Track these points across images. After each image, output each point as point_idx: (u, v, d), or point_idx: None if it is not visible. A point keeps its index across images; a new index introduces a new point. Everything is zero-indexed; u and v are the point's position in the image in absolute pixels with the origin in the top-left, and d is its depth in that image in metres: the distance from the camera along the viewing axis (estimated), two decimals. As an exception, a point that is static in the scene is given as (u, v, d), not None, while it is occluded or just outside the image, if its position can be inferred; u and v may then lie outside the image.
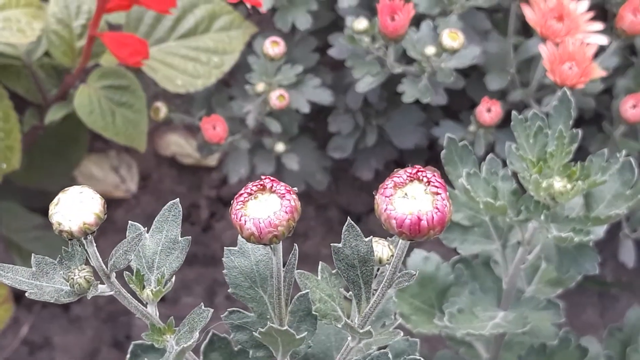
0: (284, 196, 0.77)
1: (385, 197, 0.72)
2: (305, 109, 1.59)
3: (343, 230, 0.82)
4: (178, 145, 1.94)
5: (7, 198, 1.78)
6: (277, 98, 1.54)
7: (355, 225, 0.81)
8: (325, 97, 1.60)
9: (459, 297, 1.26)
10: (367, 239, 0.82)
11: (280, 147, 1.63)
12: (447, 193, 0.72)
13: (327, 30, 1.63)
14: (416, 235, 0.71)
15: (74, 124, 1.60)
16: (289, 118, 1.63)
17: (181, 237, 0.85)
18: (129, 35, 1.44)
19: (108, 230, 1.88)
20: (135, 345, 0.95)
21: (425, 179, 0.72)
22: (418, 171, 0.73)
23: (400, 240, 0.76)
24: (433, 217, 0.71)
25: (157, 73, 1.51)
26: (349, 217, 0.83)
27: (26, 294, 0.76)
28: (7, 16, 1.36)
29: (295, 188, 0.79)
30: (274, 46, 1.53)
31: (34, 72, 1.50)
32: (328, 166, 1.74)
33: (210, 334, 0.98)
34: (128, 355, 0.95)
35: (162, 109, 1.59)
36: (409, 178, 0.73)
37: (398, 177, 0.73)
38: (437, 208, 0.71)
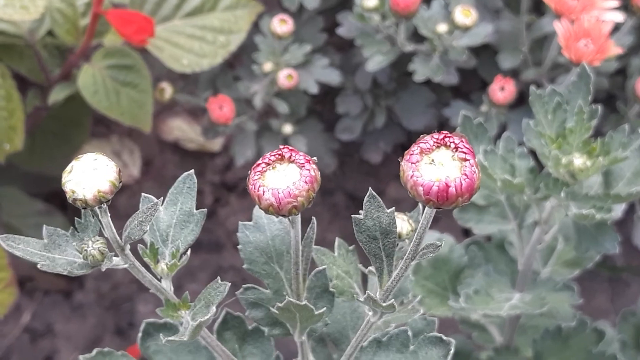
0: (303, 166, 0.74)
1: (412, 163, 0.69)
2: (314, 89, 1.56)
3: (365, 201, 0.79)
4: (181, 130, 1.92)
5: (8, 184, 1.75)
6: (286, 77, 1.51)
7: (377, 195, 0.79)
8: (333, 77, 1.57)
9: (474, 279, 1.24)
10: (389, 210, 0.79)
11: (287, 128, 1.61)
12: (476, 159, 0.69)
13: (335, 10, 1.61)
14: (444, 202, 0.68)
15: (77, 106, 1.58)
16: (296, 99, 1.60)
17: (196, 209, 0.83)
18: (134, 12, 1.41)
19: (110, 216, 1.85)
20: (147, 324, 0.93)
21: (452, 145, 0.69)
22: (445, 137, 0.70)
23: (426, 210, 0.73)
24: (461, 184, 0.68)
25: (163, 52, 1.48)
26: (370, 188, 0.80)
27: (38, 266, 0.73)
28: (10, -7, 1.34)
29: (315, 158, 0.76)
30: (281, 24, 1.50)
31: (37, 51, 1.47)
32: (336, 149, 1.71)
33: (223, 312, 0.95)
34: (140, 334, 0.93)
35: (168, 90, 1.57)
36: (435, 144, 0.70)
37: (424, 142, 0.70)
38: (465, 174, 0.68)
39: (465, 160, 0.69)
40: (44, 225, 0.75)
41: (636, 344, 1.38)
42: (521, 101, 1.55)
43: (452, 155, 0.70)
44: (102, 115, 1.91)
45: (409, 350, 0.88)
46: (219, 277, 0.81)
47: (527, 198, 1.13)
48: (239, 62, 1.71)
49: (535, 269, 1.27)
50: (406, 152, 0.70)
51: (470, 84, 1.64)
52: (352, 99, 1.64)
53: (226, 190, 1.91)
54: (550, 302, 1.19)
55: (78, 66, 1.47)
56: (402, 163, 0.70)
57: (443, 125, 1.70)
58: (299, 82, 1.53)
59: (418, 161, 0.69)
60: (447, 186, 0.68)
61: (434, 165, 0.69)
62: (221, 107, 1.51)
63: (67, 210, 1.81)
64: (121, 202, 1.86)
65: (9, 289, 1.40)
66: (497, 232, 1.23)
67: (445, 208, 0.69)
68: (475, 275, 1.26)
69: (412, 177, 0.69)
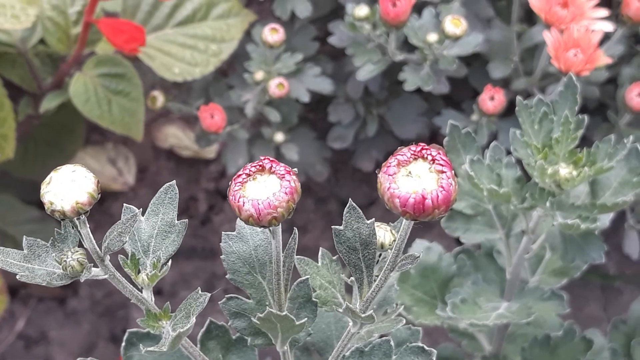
0: (283, 177, 0.75)
1: (389, 175, 0.70)
2: (305, 98, 1.57)
3: (344, 212, 0.79)
4: (176, 137, 1.92)
5: (3, 191, 1.76)
6: (277, 86, 1.51)
7: (357, 207, 0.79)
8: (325, 85, 1.58)
9: (462, 288, 1.24)
10: (369, 222, 0.79)
11: (279, 137, 1.61)
12: (453, 172, 0.69)
13: (327, 19, 1.61)
14: (420, 214, 0.69)
15: (70, 114, 1.58)
16: (288, 107, 1.61)
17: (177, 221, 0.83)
18: (125, 21, 1.42)
19: (105, 223, 1.86)
20: (130, 334, 0.93)
21: (429, 157, 0.70)
22: (422, 149, 0.70)
23: (404, 221, 0.73)
24: (438, 196, 0.68)
25: (154, 61, 1.49)
26: (350, 199, 0.80)
27: (17, 277, 0.73)
28: (1, 2, 1.34)
29: (295, 169, 0.76)
30: (273, 33, 1.51)
31: (29, 60, 1.47)
32: (328, 157, 1.72)
33: (207, 321, 0.95)
34: (123, 344, 0.93)
35: (159, 98, 1.57)
36: (413, 156, 0.70)
37: (402, 155, 0.70)
38: (442, 187, 0.69)
39: (442, 172, 0.69)
40: (24, 236, 0.76)
41: (627, 353, 1.38)
42: (512, 110, 1.55)
43: (429, 167, 0.70)
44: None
45: (391, 360, 0.88)
46: (199, 288, 0.81)
47: (514, 208, 1.13)
48: (232, 70, 1.72)
49: (523, 278, 1.27)
50: (383, 164, 0.70)
51: (462, 93, 1.65)
52: (344, 107, 1.64)
53: (221, 198, 1.91)
54: (537, 311, 1.19)
55: (70, 74, 1.47)
56: (379, 175, 0.70)
57: (435, 133, 1.70)
58: (290, 90, 1.53)
59: (395, 173, 0.70)
60: (424, 198, 0.68)
61: (411, 178, 0.70)
62: (212, 116, 1.52)
63: (60, 218, 1.81)
64: (116, 209, 1.86)
65: (0, 297, 1.41)
66: (485, 241, 1.23)
67: (421, 220, 0.70)
68: (464, 283, 1.26)
69: (389, 189, 0.69)
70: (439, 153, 0.70)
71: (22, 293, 1.80)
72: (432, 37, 1.44)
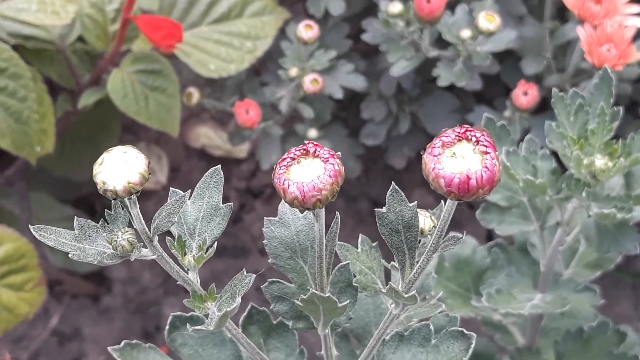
0: (327, 160, 0.76)
1: (434, 156, 0.71)
2: (339, 94, 1.58)
3: (387, 195, 0.81)
4: (207, 137, 1.94)
5: (38, 189, 1.78)
6: (311, 82, 1.53)
7: (399, 189, 0.80)
8: (358, 82, 1.59)
9: (496, 279, 1.25)
10: (411, 204, 0.81)
11: (312, 133, 1.63)
12: (497, 153, 0.70)
13: (360, 17, 1.62)
14: (465, 194, 0.70)
15: (106, 111, 1.60)
16: (321, 104, 1.62)
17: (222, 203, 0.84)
18: (162, 18, 1.44)
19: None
20: (174, 317, 0.95)
21: (474, 138, 0.71)
22: (467, 130, 0.71)
23: (448, 202, 0.75)
24: (482, 176, 0.70)
25: (190, 57, 1.51)
26: (393, 182, 0.81)
27: (69, 255, 0.75)
28: (41, -1, 1.37)
29: (339, 153, 0.78)
30: (307, 30, 1.53)
31: (67, 56, 1.49)
32: (360, 154, 1.73)
33: (249, 306, 0.97)
34: (167, 327, 0.94)
35: (195, 94, 1.59)
36: (457, 137, 0.72)
37: (446, 136, 0.71)
38: (486, 167, 0.70)
39: (486, 153, 0.71)
40: (75, 217, 0.78)
41: (658, 348, 1.39)
42: (544, 107, 1.57)
43: (474, 149, 0.71)
44: (130, 122, 1.94)
45: (430, 344, 0.90)
46: (244, 269, 0.83)
47: (549, 199, 1.14)
48: (265, 68, 1.74)
49: (557, 271, 1.28)
50: (428, 145, 0.72)
51: (494, 90, 1.66)
52: (376, 104, 1.65)
53: (252, 197, 1.93)
54: (572, 302, 1.20)
55: (107, 71, 1.49)
56: (424, 156, 0.72)
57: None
58: (324, 87, 1.55)
59: (440, 154, 0.71)
60: (468, 178, 0.70)
61: (456, 158, 0.71)
62: (247, 111, 1.53)
63: (95, 215, 1.83)
64: (148, 207, 1.88)
65: (39, 288, 1.43)
66: (518, 233, 1.24)
67: (466, 200, 0.71)
68: (498, 276, 1.27)
69: (433, 169, 0.71)
70: (483, 134, 0.71)
71: (57, 290, 1.82)
72: (466, 33, 1.46)
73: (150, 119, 1.47)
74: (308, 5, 1.59)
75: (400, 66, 1.49)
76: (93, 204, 1.91)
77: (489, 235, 1.79)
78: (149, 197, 1.90)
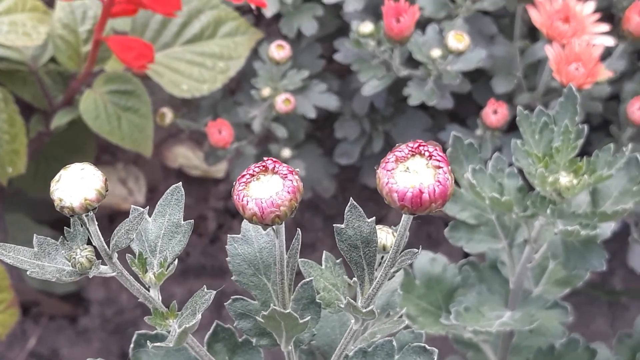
0: (286, 176, 0.77)
1: (387, 170, 0.72)
2: (312, 114, 1.59)
3: (346, 211, 0.81)
4: (185, 157, 1.94)
5: (15, 210, 1.78)
6: (283, 102, 1.54)
7: (357, 205, 0.81)
8: (331, 102, 1.60)
9: (466, 297, 1.26)
10: (369, 220, 0.81)
11: (286, 152, 1.63)
12: (449, 167, 0.71)
13: (333, 37, 1.63)
14: (418, 208, 0.71)
15: (80, 132, 1.61)
16: (295, 124, 1.63)
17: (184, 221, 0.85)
18: (134, 39, 1.44)
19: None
20: (138, 335, 0.95)
21: (427, 153, 0.72)
22: (420, 145, 0.72)
23: (403, 217, 0.75)
24: (435, 190, 0.70)
25: (163, 78, 1.52)
26: (351, 198, 0.82)
27: (27, 273, 0.75)
28: (13, 20, 1.37)
29: (298, 169, 0.78)
30: (279, 50, 1.53)
31: (40, 78, 1.50)
32: (335, 173, 1.74)
33: (214, 324, 0.97)
34: (132, 345, 0.95)
35: (168, 115, 1.60)
36: (410, 152, 0.72)
37: (400, 151, 0.72)
38: (438, 181, 0.71)
39: (439, 167, 0.71)
40: (35, 235, 0.78)
41: (632, 366, 1.40)
42: (516, 126, 1.57)
43: (427, 163, 0.72)
44: (107, 143, 1.94)
45: (393, 360, 0.90)
46: (204, 286, 0.83)
47: (516, 217, 1.15)
48: (240, 88, 1.74)
49: (527, 288, 1.28)
50: (382, 160, 0.73)
51: (467, 109, 1.67)
52: (350, 124, 1.66)
53: (230, 216, 1.93)
54: (540, 319, 1.20)
55: (80, 92, 1.50)
56: (377, 171, 0.72)
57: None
58: (296, 106, 1.56)
59: (393, 169, 0.72)
60: (421, 192, 0.71)
61: (409, 173, 0.72)
62: (220, 131, 1.54)
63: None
64: (126, 228, 1.88)
65: (11, 310, 1.43)
66: (488, 250, 1.25)
67: (419, 214, 0.72)
68: (468, 294, 1.28)
69: (387, 184, 0.72)
70: (435, 149, 0.72)
71: (34, 311, 1.81)
72: (436, 52, 1.47)
73: (123, 139, 1.47)
74: (281, 25, 1.60)
75: (371, 85, 1.50)
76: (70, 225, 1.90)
77: (466, 254, 1.79)
78: (126, 218, 1.90)
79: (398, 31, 1.41)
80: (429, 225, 1.85)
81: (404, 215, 0.75)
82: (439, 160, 0.71)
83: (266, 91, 1.56)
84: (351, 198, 0.81)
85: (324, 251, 0.95)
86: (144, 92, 1.48)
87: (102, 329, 1.83)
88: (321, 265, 0.93)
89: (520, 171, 1.16)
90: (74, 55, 1.47)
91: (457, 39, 1.44)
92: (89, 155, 1.72)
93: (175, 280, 1.86)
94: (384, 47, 1.49)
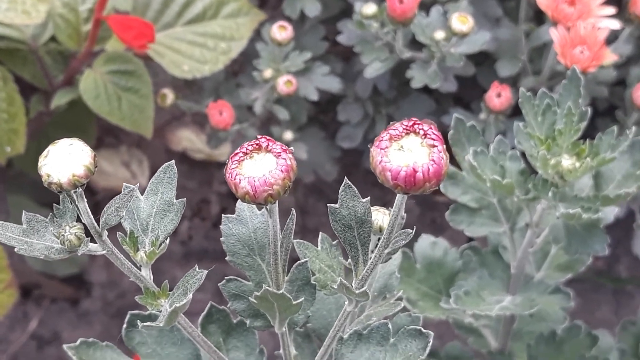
0: (279, 155, 0.76)
1: (381, 149, 0.70)
2: (314, 96, 1.58)
3: (340, 191, 0.80)
4: (189, 140, 1.93)
5: (17, 192, 1.77)
6: (285, 83, 1.53)
7: (352, 185, 0.80)
8: (334, 84, 1.58)
9: (467, 281, 1.24)
10: (364, 200, 0.80)
11: (288, 135, 1.62)
12: (444, 146, 0.70)
13: (336, 19, 1.62)
14: (411, 187, 0.69)
15: (81, 113, 1.60)
16: (297, 106, 1.61)
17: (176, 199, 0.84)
18: (134, 18, 1.43)
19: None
20: (132, 315, 0.94)
21: (421, 132, 0.71)
22: (414, 124, 0.71)
23: (397, 197, 0.74)
24: (429, 169, 0.69)
25: (164, 58, 1.50)
26: (345, 178, 0.81)
27: (15, 250, 0.74)
28: (12, -2, 1.36)
29: (292, 148, 0.77)
30: (281, 31, 1.52)
31: (40, 57, 1.49)
32: (337, 157, 1.72)
33: (208, 305, 0.96)
34: (124, 325, 0.94)
35: (169, 96, 1.58)
36: (405, 130, 0.71)
37: (394, 129, 0.71)
38: (433, 160, 0.69)
39: (434, 146, 0.70)
40: (24, 211, 0.77)
41: (635, 353, 1.38)
42: (520, 110, 1.56)
43: (421, 142, 0.71)
44: (110, 125, 1.93)
45: (389, 343, 0.89)
46: (196, 266, 0.82)
47: (518, 200, 1.14)
48: (242, 70, 1.73)
49: (529, 273, 1.27)
50: (376, 138, 0.71)
51: (470, 92, 1.65)
52: (353, 107, 1.65)
53: (233, 200, 1.91)
54: (541, 304, 1.19)
55: (80, 71, 1.49)
56: (371, 149, 0.71)
57: (444, 134, 1.70)
58: (299, 88, 1.54)
59: (387, 147, 0.71)
60: (415, 171, 0.69)
61: (403, 152, 0.70)
62: (221, 113, 1.53)
63: (74, 219, 1.82)
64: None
65: (9, 290, 1.42)
66: (489, 234, 1.23)
67: (413, 193, 0.70)
68: (469, 279, 1.26)
69: (380, 162, 0.70)
70: (430, 128, 0.70)
71: (35, 294, 1.81)
72: (439, 34, 1.45)
73: (123, 119, 1.46)
74: (284, 6, 1.59)
75: (374, 67, 1.48)
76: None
77: (470, 239, 1.78)
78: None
79: (401, 12, 1.40)
80: (433, 210, 1.84)
81: (397, 195, 0.74)
82: (433, 139, 0.70)
83: (268, 73, 1.55)
84: (345, 177, 0.80)
85: (320, 232, 0.94)
86: (145, 73, 1.47)
87: (103, 311, 1.82)
88: (317, 246, 0.92)
89: (523, 154, 1.14)
90: (74, 35, 1.46)
91: (461, 20, 1.42)
92: (90, 136, 1.71)
93: (178, 263, 1.86)
94: (387, 29, 1.47)
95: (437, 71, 1.46)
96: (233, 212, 1.91)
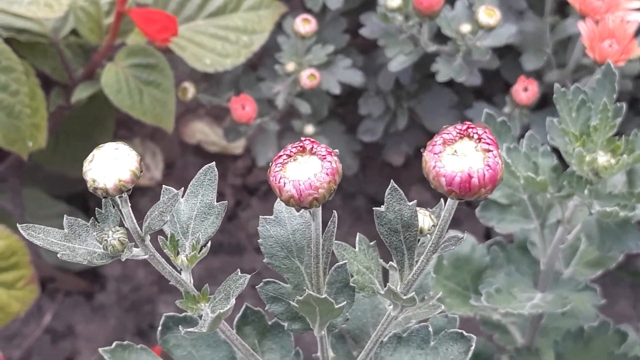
0: (324, 158, 0.74)
1: (434, 154, 0.69)
2: (336, 89, 1.56)
3: (386, 194, 0.78)
4: (203, 133, 1.92)
5: (32, 185, 1.76)
6: (308, 77, 1.51)
7: (398, 188, 0.78)
8: (356, 77, 1.57)
9: (495, 278, 1.23)
10: (410, 203, 0.79)
11: (309, 129, 1.61)
12: (499, 151, 0.68)
13: (358, 11, 1.60)
14: (466, 193, 0.68)
15: (100, 106, 1.58)
16: (318, 100, 1.60)
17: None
18: (157, 11, 1.41)
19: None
20: (166, 318, 0.92)
21: (475, 136, 0.69)
22: (468, 127, 0.69)
23: (449, 201, 0.73)
24: (485, 175, 0.67)
25: (186, 51, 1.49)
26: (392, 181, 0.79)
27: (58, 255, 0.73)
28: (34, -10, 1.34)
29: (337, 150, 0.76)
30: (304, 24, 1.51)
31: (61, 50, 1.47)
32: (357, 150, 1.71)
33: (244, 307, 0.95)
34: (159, 328, 0.92)
35: (190, 89, 1.57)
36: (458, 135, 0.69)
37: (447, 133, 0.69)
38: (488, 165, 0.68)
39: (489, 151, 0.68)
40: (65, 216, 0.75)
41: (658, 348, 1.37)
42: (544, 103, 1.55)
43: (475, 146, 0.69)
44: (125, 118, 1.91)
45: (429, 346, 0.88)
46: (238, 270, 0.81)
47: (550, 196, 1.12)
48: (262, 63, 1.72)
49: (557, 270, 1.26)
50: (429, 142, 0.70)
51: (493, 86, 1.64)
52: (374, 100, 1.63)
53: (247, 193, 1.91)
54: (573, 301, 1.18)
55: (101, 65, 1.47)
56: (424, 154, 0.70)
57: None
58: (321, 82, 1.53)
59: (441, 152, 0.69)
60: (470, 177, 0.68)
61: (457, 156, 0.69)
62: (244, 107, 1.51)
63: (89, 212, 1.81)
64: (143, 204, 1.86)
65: (31, 286, 1.41)
66: (519, 231, 1.22)
67: (467, 199, 0.69)
68: (497, 275, 1.25)
69: (434, 167, 0.69)
70: (485, 132, 0.69)
71: (50, 287, 1.80)
72: (465, 27, 1.44)
73: (144, 113, 1.45)
74: (306, -2, 1.57)
75: (398, 61, 1.47)
76: (87, 200, 1.89)
77: (487, 233, 1.77)
78: (143, 194, 1.88)
79: (428, 5, 1.38)
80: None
81: (449, 199, 0.72)
82: (488, 144, 0.68)
83: (290, 66, 1.53)
84: (392, 181, 0.79)
85: (358, 233, 0.93)
86: (166, 66, 1.45)
87: (118, 305, 1.81)
88: (354, 247, 0.91)
89: (554, 150, 1.13)
90: (95, 28, 1.44)
91: (488, 14, 1.41)
92: (108, 130, 1.69)
93: (193, 256, 1.84)
94: (412, 22, 1.46)
95: (462, 65, 1.45)
96: (248, 205, 1.90)
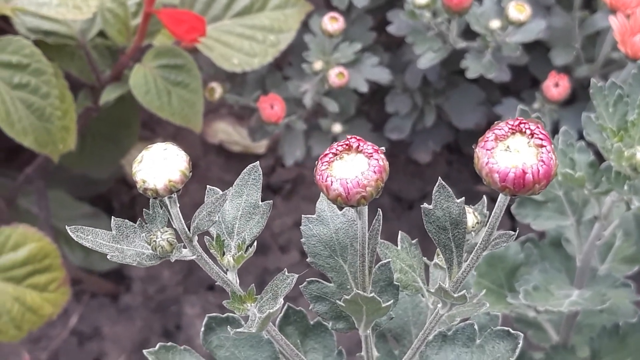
0: (371, 156, 0.74)
1: (487, 150, 0.68)
2: (364, 87, 1.56)
3: (434, 191, 0.78)
4: (226, 133, 1.91)
5: (56, 187, 1.76)
6: (336, 75, 1.51)
7: (446, 186, 0.78)
8: (383, 75, 1.57)
9: (531, 276, 1.22)
10: (459, 200, 0.78)
11: (337, 127, 1.60)
12: (552, 146, 0.67)
13: (383, 9, 1.60)
14: (520, 189, 0.67)
15: (126, 107, 1.58)
16: (345, 98, 1.59)
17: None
18: (185, 11, 1.41)
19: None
20: (209, 318, 0.92)
21: (528, 131, 0.68)
22: (520, 123, 0.69)
23: (500, 197, 0.72)
24: (539, 171, 0.67)
25: (213, 51, 1.48)
26: (440, 178, 0.79)
27: (108, 257, 0.72)
28: (63, -7, 1.34)
29: (383, 148, 0.75)
30: (332, 22, 1.50)
31: (88, 52, 1.47)
32: (385, 148, 1.70)
33: (285, 306, 0.94)
34: (202, 329, 0.92)
35: (217, 89, 1.57)
36: (510, 130, 0.69)
37: (499, 129, 0.69)
38: (542, 161, 0.67)
39: (542, 146, 0.68)
40: (112, 217, 0.75)
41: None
42: (573, 98, 1.54)
43: (528, 142, 0.68)
44: (147, 118, 1.91)
45: (475, 344, 0.87)
46: (285, 269, 0.80)
47: (588, 193, 1.12)
48: (286, 62, 1.71)
49: (592, 266, 1.25)
50: (480, 138, 0.69)
51: (520, 82, 1.63)
52: (401, 97, 1.63)
53: (271, 193, 1.91)
54: (611, 298, 1.17)
55: (129, 66, 1.47)
56: (476, 150, 0.69)
57: (492, 123, 1.68)
58: (349, 80, 1.52)
59: (493, 148, 0.68)
60: (524, 173, 0.67)
61: (510, 152, 0.68)
62: (272, 106, 1.51)
63: (112, 213, 1.81)
64: (167, 204, 1.86)
65: (63, 288, 1.41)
66: (554, 228, 1.21)
67: (521, 195, 0.68)
68: (532, 272, 1.25)
69: (487, 164, 0.68)
70: (537, 127, 0.68)
71: (76, 289, 1.80)
72: (495, 23, 1.43)
73: (173, 114, 1.44)
74: (332, -4, 1.57)
75: (427, 58, 1.46)
76: (110, 202, 1.89)
77: (513, 230, 1.76)
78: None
79: (458, 2, 1.38)
80: (474, 200, 1.82)
81: (500, 195, 0.71)
82: (541, 139, 0.68)
83: (318, 65, 1.53)
84: (439, 178, 0.78)
85: (400, 231, 0.92)
86: (194, 67, 1.45)
87: (144, 306, 1.81)
88: (397, 245, 0.90)
89: (589, 145, 1.12)
90: (122, 29, 1.44)
91: (519, 9, 1.40)
92: (133, 132, 1.69)
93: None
94: (440, 19, 1.45)
95: (492, 61, 1.44)
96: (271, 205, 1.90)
